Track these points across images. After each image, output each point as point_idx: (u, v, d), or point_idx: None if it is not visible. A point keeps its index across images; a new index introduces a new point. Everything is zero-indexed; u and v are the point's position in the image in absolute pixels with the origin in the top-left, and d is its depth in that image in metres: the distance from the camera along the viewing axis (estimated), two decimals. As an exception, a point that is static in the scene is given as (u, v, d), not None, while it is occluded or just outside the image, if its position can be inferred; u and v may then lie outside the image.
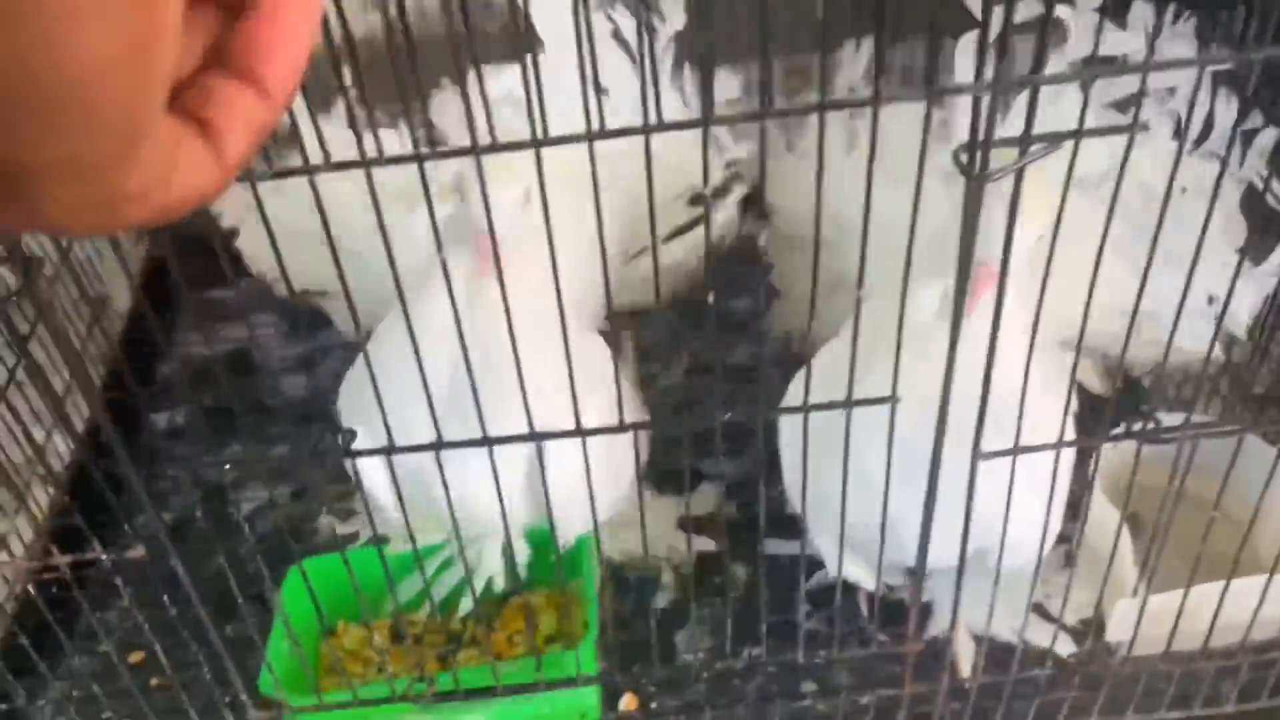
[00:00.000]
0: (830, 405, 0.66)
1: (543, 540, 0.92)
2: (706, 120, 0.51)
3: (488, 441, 0.67)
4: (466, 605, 0.89)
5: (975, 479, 0.67)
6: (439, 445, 0.69)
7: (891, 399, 0.64)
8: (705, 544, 1.05)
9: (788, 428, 0.88)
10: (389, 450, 0.70)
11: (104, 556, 0.65)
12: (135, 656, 1.05)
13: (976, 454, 0.65)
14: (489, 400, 0.67)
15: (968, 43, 0.80)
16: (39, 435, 1.12)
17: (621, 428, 0.68)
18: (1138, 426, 0.65)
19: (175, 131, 0.27)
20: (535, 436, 0.66)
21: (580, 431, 0.66)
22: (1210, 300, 0.82)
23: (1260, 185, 0.87)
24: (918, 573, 0.74)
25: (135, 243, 1.41)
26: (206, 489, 1.18)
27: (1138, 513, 0.92)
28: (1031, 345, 0.63)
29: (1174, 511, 0.68)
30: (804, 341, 1.14)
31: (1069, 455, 0.80)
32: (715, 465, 1.16)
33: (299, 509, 1.16)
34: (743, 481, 1.14)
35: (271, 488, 1.18)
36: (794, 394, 0.90)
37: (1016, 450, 0.66)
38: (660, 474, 1.12)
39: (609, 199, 0.56)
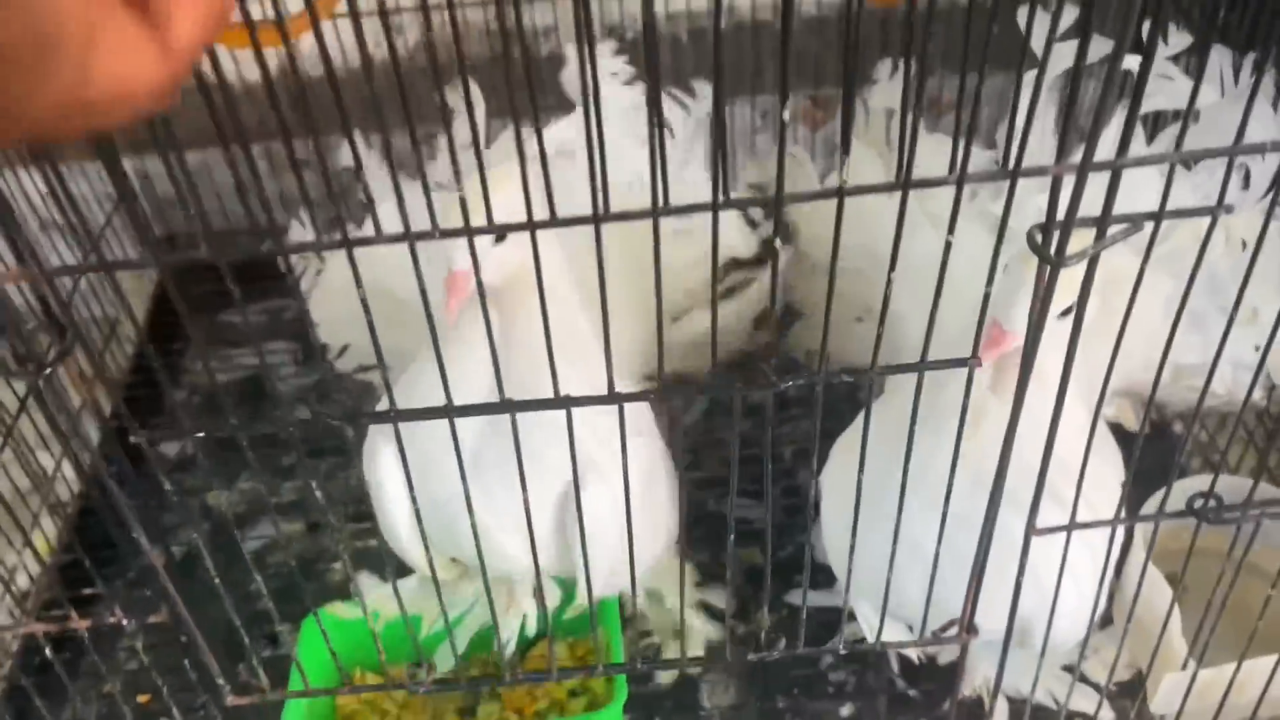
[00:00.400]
0: (902, 368, 0.62)
1: (568, 590, 0.90)
2: (715, 205, 0.48)
3: (510, 407, 0.62)
4: (510, 647, 0.87)
5: (1027, 554, 0.64)
6: (451, 411, 0.63)
7: (970, 360, 0.60)
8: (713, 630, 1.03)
9: (829, 493, 0.86)
10: (394, 416, 0.65)
11: (125, 621, 0.63)
12: (143, 697, 1.02)
13: (1030, 529, 0.63)
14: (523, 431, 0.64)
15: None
16: (47, 464, 1.10)
17: (660, 391, 0.62)
18: (1198, 504, 0.63)
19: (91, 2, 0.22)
20: (564, 403, 0.61)
21: (615, 397, 0.62)
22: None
23: None
24: (963, 651, 0.72)
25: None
26: (216, 522, 1.16)
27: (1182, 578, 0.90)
28: (1094, 420, 0.60)
29: (1232, 588, 0.66)
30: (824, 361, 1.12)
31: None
32: (742, 509, 1.14)
33: (313, 546, 1.13)
34: (764, 527, 1.12)
35: (283, 522, 1.15)
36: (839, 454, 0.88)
37: (1072, 526, 0.64)
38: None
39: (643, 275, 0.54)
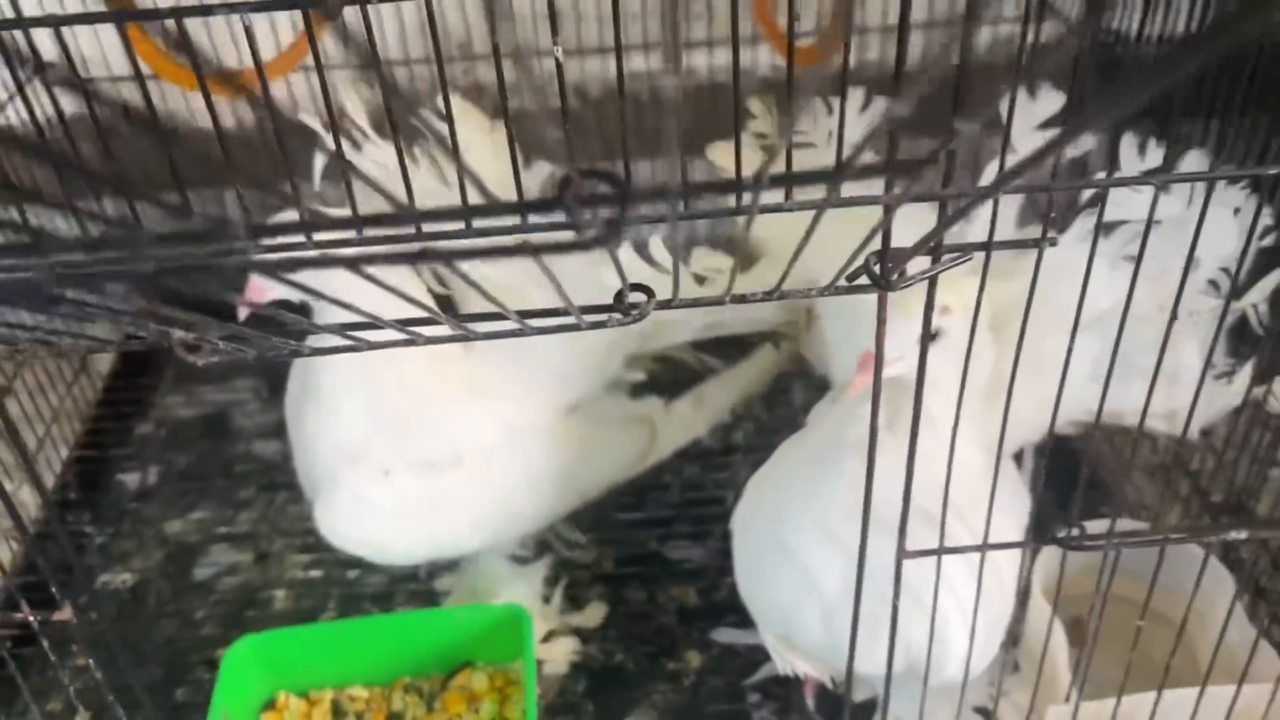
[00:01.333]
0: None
1: (486, 615, 0.92)
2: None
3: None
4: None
5: (900, 579, 0.67)
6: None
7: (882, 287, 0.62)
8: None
9: (738, 529, 0.88)
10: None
11: (32, 618, 0.66)
12: (81, 718, 1.04)
13: (901, 552, 0.66)
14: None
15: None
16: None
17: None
18: (1062, 534, 0.65)
19: None
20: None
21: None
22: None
23: (1254, 317, 0.88)
24: (848, 672, 0.73)
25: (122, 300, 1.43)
26: (170, 550, 1.19)
27: (1082, 617, 0.92)
28: (953, 448, 0.63)
29: (1101, 617, 0.68)
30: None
31: (1014, 561, 0.80)
32: (682, 550, 1.17)
33: (260, 575, 1.16)
34: (702, 568, 1.14)
35: (236, 551, 1.18)
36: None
37: (941, 551, 0.66)
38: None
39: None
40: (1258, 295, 0.87)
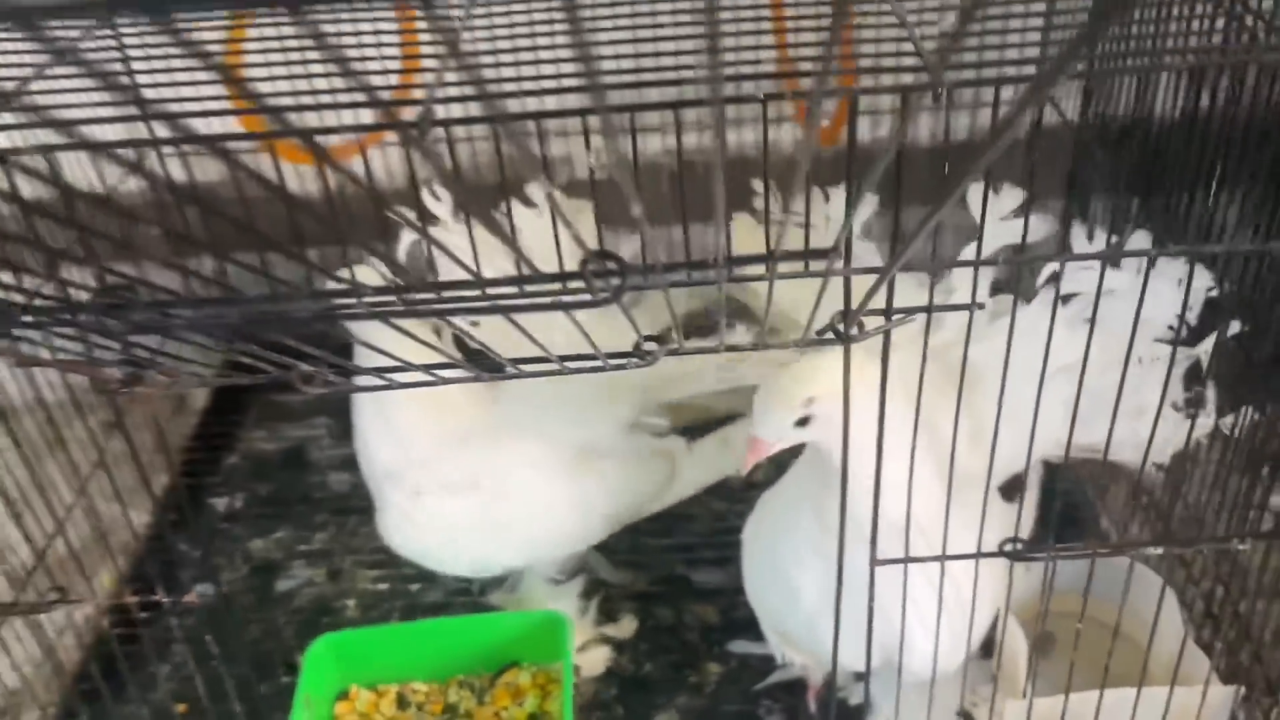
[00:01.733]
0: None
1: (531, 620, 1.07)
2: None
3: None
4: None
5: (874, 585, 0.80)
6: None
7: (845, 339, 0.78)
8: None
9: (746, 544, 1.02)
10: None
11: (166, 599, 0.81)
12: (181, 706, 1.20)
13: (873, 561, 0.79)
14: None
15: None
16: (116, 511, 1.31)
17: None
18: (1008, 548, 0.78)
19: None
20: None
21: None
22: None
23: (1206, 362, 1.01)
24: (833, 667, 0.86)
25: (215, 348, 1.61)
26: (255, 565, 1.35)
27: (1052, 633, 1.04)
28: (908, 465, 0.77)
29: (1045, 623, 0.81)
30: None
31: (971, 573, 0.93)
32: (706, 574, 1.30)
33: (333, 588, 1.31)
34: (723, 589, 1.28)
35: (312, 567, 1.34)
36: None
37: (907, 559, 0.80)
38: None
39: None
40: (1208, 344, 1.00)
